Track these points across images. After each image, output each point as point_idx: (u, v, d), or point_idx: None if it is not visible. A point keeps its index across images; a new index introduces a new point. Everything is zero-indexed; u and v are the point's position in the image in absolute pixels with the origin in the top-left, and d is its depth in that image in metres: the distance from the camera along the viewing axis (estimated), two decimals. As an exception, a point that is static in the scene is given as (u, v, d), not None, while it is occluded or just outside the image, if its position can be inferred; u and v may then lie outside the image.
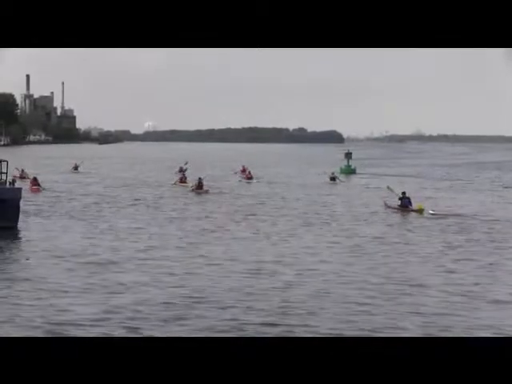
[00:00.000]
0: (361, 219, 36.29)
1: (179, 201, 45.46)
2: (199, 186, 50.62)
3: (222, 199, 46.42)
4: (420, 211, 38.13)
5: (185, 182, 55.93)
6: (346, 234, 30.70)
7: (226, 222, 33.90)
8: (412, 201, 39.64)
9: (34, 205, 39.72)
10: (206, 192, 49.91)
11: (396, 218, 37.43)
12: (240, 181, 64.86)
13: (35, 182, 49.51)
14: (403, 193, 40.24)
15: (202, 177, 53.20)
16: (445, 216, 36.86)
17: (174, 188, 54.82)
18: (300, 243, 27.93)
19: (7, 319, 15.86)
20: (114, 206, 41.60)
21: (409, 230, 32.39)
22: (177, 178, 59.32)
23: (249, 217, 36.74)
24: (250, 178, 65.32)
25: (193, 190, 50.83)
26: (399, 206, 39.54)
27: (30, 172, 59.76)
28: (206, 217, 36.26)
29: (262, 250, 26.03)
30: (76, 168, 76.39)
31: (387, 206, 41.06)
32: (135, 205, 42.16)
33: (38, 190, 47.85)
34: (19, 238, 28.87)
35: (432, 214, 37.33)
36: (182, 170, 70.47)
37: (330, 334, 14.87)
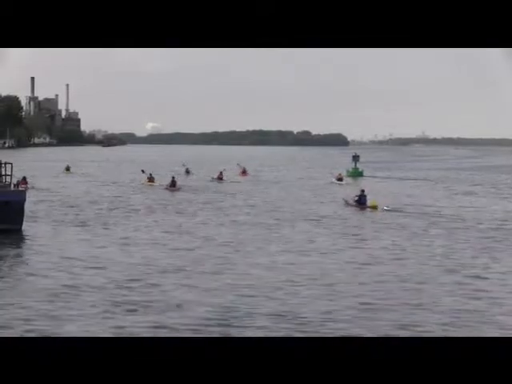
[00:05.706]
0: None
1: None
2: (172, 184, 56.96)
3: (191, 196, 51.33)
4: (374, 207, 42.33)
5: (152, 181, 61.73)
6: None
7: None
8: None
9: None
10: (179, 189, 55.93)
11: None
12: (211, 180, 69.20)
13: (24, 181, 56.56)
14: (362, 191, 44.13)
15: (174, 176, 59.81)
16: (397, 210, 41.61)
17: (151, 187, 59.09)
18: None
19: None
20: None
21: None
22: (144, 177, 63.55)
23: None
24: (221, 178, 69.71)
25: (166, 188, 56.69)
26: (356, 202, 43.46)
27: (27, 174, 63.54)
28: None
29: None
30: (68, 169, 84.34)
31: (346, 203, 44.86)
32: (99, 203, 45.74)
33: (25, 188, 54.14)
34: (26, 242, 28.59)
35: (386, 210, 41.62)
36: (187, 172, 79.89)
37: (330, 334, 14.93)
